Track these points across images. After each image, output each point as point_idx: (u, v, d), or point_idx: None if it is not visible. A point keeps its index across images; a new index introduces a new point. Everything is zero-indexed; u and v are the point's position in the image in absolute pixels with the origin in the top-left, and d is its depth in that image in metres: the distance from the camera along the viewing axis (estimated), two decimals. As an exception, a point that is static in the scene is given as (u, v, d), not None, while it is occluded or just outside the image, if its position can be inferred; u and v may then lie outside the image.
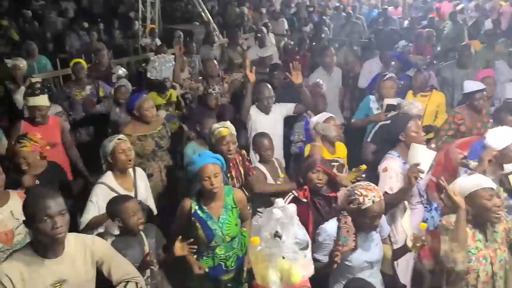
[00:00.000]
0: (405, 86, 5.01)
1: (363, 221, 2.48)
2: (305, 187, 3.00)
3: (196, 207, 2.83)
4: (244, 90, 4.41)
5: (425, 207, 3.34)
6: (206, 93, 4.56)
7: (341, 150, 3.82)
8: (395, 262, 2.87)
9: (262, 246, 1.64)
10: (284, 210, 1.74)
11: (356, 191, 2.48)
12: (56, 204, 2.04)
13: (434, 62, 6.50)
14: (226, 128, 3.41)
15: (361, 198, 2.45)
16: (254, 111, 4.18)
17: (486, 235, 2.60)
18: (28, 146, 3.25)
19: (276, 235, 1.68)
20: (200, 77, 5.40)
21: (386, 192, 3.01)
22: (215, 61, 5.37)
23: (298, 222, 1.91)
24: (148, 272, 2.72)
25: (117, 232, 2.83)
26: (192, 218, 2.82)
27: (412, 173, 2.86)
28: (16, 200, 2.90)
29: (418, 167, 2.87)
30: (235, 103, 4.81)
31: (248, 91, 4.12)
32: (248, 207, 3.30)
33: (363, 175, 3.18)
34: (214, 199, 2.84)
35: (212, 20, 10.04)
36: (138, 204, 2.79)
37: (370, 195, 2.44)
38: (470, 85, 4.25)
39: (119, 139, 3.23)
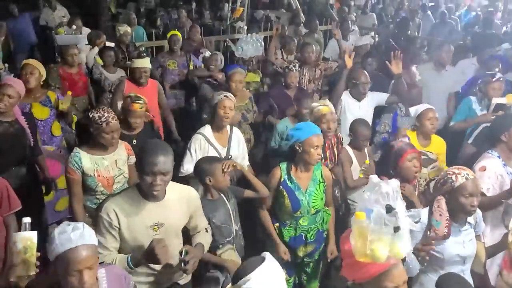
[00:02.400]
0: (505, 90, 4.71)
1: (458, 204, 2.36)
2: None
3: (286, 177, 2.90)
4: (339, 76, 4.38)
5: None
6: (287, 68, 4.57)
7: (437, 145, 3.68)
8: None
9: (369, 222, 1.63)
10: (389, 184, 1.73)
11: (448, 172, 2.41)
12: (163, 162, 2.10)
13: None
14: (326, 106, 3.47)
15: (453, 177, 2.36)
16: (346, 97, 4.17)
17: None
18: (144, 107, 3.50)
19: (390, 208, 1.67)
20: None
21: (483, 193, 2.87)
22: (313, 47, 5.36)
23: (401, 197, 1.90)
24: (233, 232, 2.83)
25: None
26: (281, 186, 2.89)
27: None
28: (122, 150, 3.14)
29: None
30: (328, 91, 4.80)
31: (343, 76, 4.13)
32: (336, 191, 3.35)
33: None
34: (305, 171, 2.89)
35: (299, 8, 10.04)
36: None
37: (463, 173, 2.36)
38: None
39: (225, 95, 3.42)
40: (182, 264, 2.23)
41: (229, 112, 3.37)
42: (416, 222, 1.89)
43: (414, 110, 3.65)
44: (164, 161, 2.12)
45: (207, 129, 3.40)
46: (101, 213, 2.22)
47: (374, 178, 2.15)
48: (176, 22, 9.22)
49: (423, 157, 3.42)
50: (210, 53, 5.83)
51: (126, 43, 5.96)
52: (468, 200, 2.36)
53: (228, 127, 3.49)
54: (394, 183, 2.05)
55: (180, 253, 2.24)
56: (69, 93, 4.26)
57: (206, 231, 2.54)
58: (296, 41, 6.49)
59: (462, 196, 2.35)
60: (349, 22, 7.38)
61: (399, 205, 1.84)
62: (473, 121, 4.19)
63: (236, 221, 2.87)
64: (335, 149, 3.55)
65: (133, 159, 3.03)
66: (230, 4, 9.53)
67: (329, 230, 3.08)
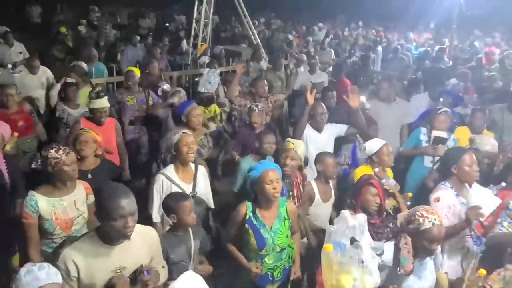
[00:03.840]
0: (456, 123, 5.03)
1: (420, 244, 2.44)
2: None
3: (251, 214, 2.90)
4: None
5: (474, 241, 3.28)
6: (250, 108, 4.71)
7: (389, 174, 3.83)
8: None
9: (336, 253, 1.67)
10: (356, 218, 1.78)
11: (417, 212, 2.48)
12: (130, 204, 2.09)
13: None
14: (292, 144, 3.59)
15: (421, 219, 2.43)
16: (308, 129, 4.29)
17: None
18: (90, 133, 3.52)
19: (354, 240, 1.72)
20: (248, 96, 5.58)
21: None
22: (265, 81, 5.56)
23: (367, 231, 1.94)
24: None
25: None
26: (246, 224, 2.89)
27: (473, 215, 2.85)
28: (80, 189, 3.05)
29: (480, 210, 2.84)
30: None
31: (305, 112, 4.25)
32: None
33: (408, 203, 3.17)
34: (269, 208, 2.91)
35: (260, 43, 10.34)
36: (193, 203, 2.89)
37: (430, 217, 2.43)
38: None
39: (183, 132, 3.43)
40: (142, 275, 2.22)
41: (193, 147, 3.37)
42: (379, 255, 1.95)
43: (368, 147, 3.76)
44: (129, 201, 2.11)
45: (169, 169, 3.36)
46: (58, 263, 2.13)
47: (346, 212, 2.21)
48: (138, 58, 9.21)
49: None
50: (169, 87, 5.87)
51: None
52: (431, 243, 2.44)
53: (192, 164, 3.48)
54: (361, 217, 2.12)
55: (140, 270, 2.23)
56: (15, 134, 4.11)
57: (163, 267, 2.51)
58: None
59: (425, 240, 2.43)
60: (317, 58, 7.80)
61: (365, 239, 1.90)
62: (419, 150, 4.50)
63: (195, 261, 2.83)
64: (301, 187, 3.62)
65: (92, 198, 2.94)
66: (192, 40, 9.69)
67: (295, 252, 3.08)
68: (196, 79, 6.83)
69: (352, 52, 10.99)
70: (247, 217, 2.90)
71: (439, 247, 2.68)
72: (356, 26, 17.06)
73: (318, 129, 4.32)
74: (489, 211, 2.92)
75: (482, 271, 2.54)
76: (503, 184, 3.64)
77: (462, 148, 3.58)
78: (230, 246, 3.03)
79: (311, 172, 4.07)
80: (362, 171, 3.63)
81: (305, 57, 8.26)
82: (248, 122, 4.70)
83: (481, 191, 2.99)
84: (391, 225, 3.07)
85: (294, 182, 3.59)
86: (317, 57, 7.99)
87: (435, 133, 4.39)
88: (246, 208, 2.92)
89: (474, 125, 4.84)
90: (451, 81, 6.40)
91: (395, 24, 17.33)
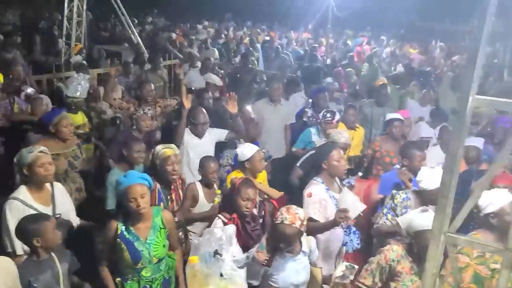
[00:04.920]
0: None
1: (280, 239, 2.56)
2: (234, 215, 3.04)
3: (123, 228, 2.75)
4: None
5: (345, 231, 3.51)
6: (134, 113, 4.49)
7: (263, 180, 3.94)
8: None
9: (201, 265, 1.64)
10: (223, 230, 1.77)
11: (280, 210, 2.61)
12: None
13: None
14: (170, 149, 3.45)
15: (279, 216, 2.57)
16: (187, 135, 4.21)
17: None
18: None
19: (216, 253, 1.70)
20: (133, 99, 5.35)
21: (311, 218, 3.15)
22: (151, 85, 5.34)
23: (236, 242, 1.94)
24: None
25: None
26: (118, 239, 2.72)
27: (339, 217, 3.02)
28: None
29: (346, 213, 3.00)
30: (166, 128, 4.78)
31: (183, 116, 4.16)
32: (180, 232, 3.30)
33: None
34: (142, 220, 2.77)
35: (141, 43, 9.97)
36: (56, 222, 2.64)
37: (283, 216, 2.58)
38: (390, 114, 4.90)
39: (40, 151, 3.00)
40: None
41: (50, 168, 3.01)
42: (240, 268, 1.97)
43: (240, 153, 3.74)
44: None
45: (22, 191, 2.94)
46: None
47: (219, 222, 2.20)
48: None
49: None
50: (34, 91, 5.37)
51: None
52: (285, 239, 2.58)
53: (47, 183, 3.11)
54: (230, 229, 2.12)
55: None
56: None
57: None
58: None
59: (281, 235, 2.58)
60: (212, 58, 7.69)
61: (232, 250, 1.91)
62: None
63: (66, 285, 2.60)
64: (180, 191, 3.54)
65: None
66: (64, 39, 8.99)
67: (178, 276, 2.95)
68: (59, 84, 6.29)
69: (237, 51, 11.17)
70: (119, 232, 2.74)
71: (314, 242, 2.82)
72: (239, 26, 17.42)
73: (198, 135, 4.25)
74: (355, 214, 3.11)
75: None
76: (360, 174, 4.12)
77: (331, 145, 3.81)
78: (102, 269, 2.84)
79: (191, 177, 4.02)
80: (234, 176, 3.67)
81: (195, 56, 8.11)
82: (134, 127, 4.45)
83: (349, 197, 3.14)
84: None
85: (172, 186, 3.49)
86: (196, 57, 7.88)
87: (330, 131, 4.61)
88: (117, 223, 2.76)
89: (347, 120, 5.22)
90: (327, 80, 6.83)
91: (278, 24, 18.15)
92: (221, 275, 1.59)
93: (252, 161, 3.69)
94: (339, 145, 4.14)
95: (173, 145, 3.61)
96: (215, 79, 6.12)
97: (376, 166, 4.78)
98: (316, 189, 3.34)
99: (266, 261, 2.44)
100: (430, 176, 3.16)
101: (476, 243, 1.86)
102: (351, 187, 3.96)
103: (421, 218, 2.58)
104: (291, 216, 2.58)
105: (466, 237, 1.82)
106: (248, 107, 5.07)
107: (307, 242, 2.83)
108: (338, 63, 10.07)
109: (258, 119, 5.30)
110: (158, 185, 3.41)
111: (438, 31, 17.07)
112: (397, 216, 3.14)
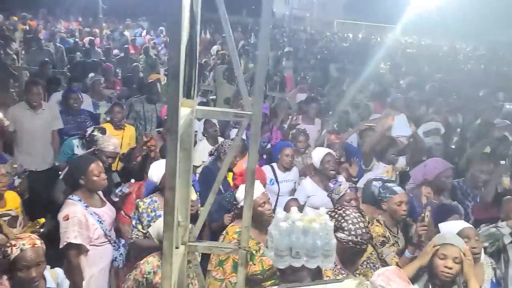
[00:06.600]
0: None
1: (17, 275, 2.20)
2: None
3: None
4: None
5: (113, 245, 3.27)
6: None
7: (13, 201, 3.32)
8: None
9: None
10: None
11: (12, 241, 2.23)
12: None
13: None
14: None
15: (9, 249, 2.20)
16: None
17: None
18: None
19: None
20: None
21: (72, 244, 2.87)
22: None
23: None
24: None
25: None
26: None
27: None
28: None
29: None
30: None
31: None
32: None
33: (41, 230, 2.84)
34: None
35: None
36: None
37: (19, 244, 2.22)
38: None
39: None
40: None
41: None
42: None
43: None
44: None
45: None
46: None
47: None
48: None
49: (6, 217, 3.05)
50: None
51: None
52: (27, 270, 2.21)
53: None
54: None
55: None
56: None
57: None
58: None
59: (21, 269, 2.20)
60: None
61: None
62: None
63: None
64: None
65: None
66: None
67: None
68: None
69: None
70: None
71: (61, 275, 2.48)
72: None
73: None
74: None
75: None
76: (133, 180, 3.92)
77: (89, 158, 3.37)
78: None
79: None
80: None
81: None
82: None
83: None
84: None
85: None
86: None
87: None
88: None
89: (113, 120, 4.88)
90: (90, 75, 6.27)
91: (45, 12, 15.94)
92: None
93: None
94: (107, 154, 3.84)
95: None
96: None
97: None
98: (73, 210, 2.99)
99: None
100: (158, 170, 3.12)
101: (215, 248, 1.95)
102: (125, 195, 3.74)
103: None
104: (27, 240, 2.24)
105: (205, 244, 1.88)
106: (6, 121, 4.23)
107: (53, 275, 2.47)
108: (113, 56, 9.49)
109: (17, 128, 4.58)
110: None
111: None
112: (146, 224, 3.07)
